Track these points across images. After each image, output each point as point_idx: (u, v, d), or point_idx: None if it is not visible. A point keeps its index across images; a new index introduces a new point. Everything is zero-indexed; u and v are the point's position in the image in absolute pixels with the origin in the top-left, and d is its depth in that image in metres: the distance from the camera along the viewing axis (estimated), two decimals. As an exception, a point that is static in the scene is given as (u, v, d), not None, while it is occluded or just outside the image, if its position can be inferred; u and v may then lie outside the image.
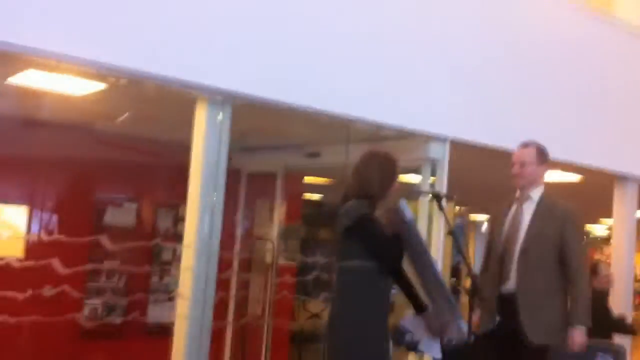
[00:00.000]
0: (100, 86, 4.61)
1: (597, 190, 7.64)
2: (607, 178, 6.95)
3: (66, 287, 5.09)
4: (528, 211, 4.12)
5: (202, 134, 4.30)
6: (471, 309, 3.43)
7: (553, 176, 7.84)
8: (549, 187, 8.60)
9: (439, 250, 5.30)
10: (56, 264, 4.12)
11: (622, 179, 6.92)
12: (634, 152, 6.95)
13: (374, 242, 3.33)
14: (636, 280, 21.73)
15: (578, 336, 3.98)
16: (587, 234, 23.06)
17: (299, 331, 7.37)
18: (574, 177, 7.69)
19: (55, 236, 4.12)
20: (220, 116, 4.30)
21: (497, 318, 3.88)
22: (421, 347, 3.56)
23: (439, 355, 3.55)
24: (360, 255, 3.33)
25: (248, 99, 4.37)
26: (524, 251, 4.03)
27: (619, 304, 6.89)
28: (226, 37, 4.24)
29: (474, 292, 3.39)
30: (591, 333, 5.58)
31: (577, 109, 6.37)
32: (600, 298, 5.94)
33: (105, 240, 4.44)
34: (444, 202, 3.67)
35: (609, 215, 7.44)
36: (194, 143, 4.35)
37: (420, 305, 3.47)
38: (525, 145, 4.17)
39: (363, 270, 3.32)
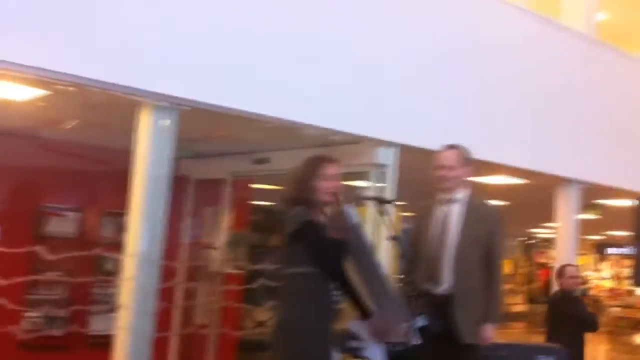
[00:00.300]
0: (42, 92, 4.48)
1: (542, 193, 7.78)
2: (551, 181, 7.07)
3: (5, 299, 4.91)
4: (456, 213, 4.11)
5: (147, 140, 4.21)
6: (412, 312, 3.43)
7: (498, 179, 7.98)
8: (493, 189, 8.74)
9: (384, 255, 5.30)
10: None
11: (565, 182, 7.05)
12: (577, 156, 7.09)
13: (318, 248, 3.26)
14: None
15: (489, 332, 4.05)
16: (532, 236, 23.62)
17: (245, 340, 7.27)
18: (518, 181, 7.81)
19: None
20: (165, 122, 4.21)
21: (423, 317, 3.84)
22: (366, 353, 3.51)
23: None
24: (304, 262, 3.26)
25: (194, 104, 4.29)
26: (458, 254, 4.04)
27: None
28: (172, 43, 4.16)
29: (414, 296, 3.39)
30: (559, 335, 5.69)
31: (522, 114, 6.46)
32: (568, 298, 6.03)
33: (42, 251, 4.27)
34: (388, 206, 3.64)
35: (552, 218, 7.57)
36: (138, 150, 4.26)
37: (365, 310, 3.40)
38: (449, 147, 4.17)
39: (307, 276, 3.26)
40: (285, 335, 3.28)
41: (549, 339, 5.91)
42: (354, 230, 3.29)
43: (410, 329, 3.38)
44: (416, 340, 3.36)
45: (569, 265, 6.39)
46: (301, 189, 3.34)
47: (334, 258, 3.29)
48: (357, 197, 3.67)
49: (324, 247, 3.27)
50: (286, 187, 3.43)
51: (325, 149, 5.51)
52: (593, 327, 6.11)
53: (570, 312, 5.91)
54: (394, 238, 3.42)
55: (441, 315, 3.98)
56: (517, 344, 5.11)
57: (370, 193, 3.65)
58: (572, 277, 6.15)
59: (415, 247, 4.24)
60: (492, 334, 4.09)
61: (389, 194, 5.35)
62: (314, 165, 3.38)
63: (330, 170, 3.37)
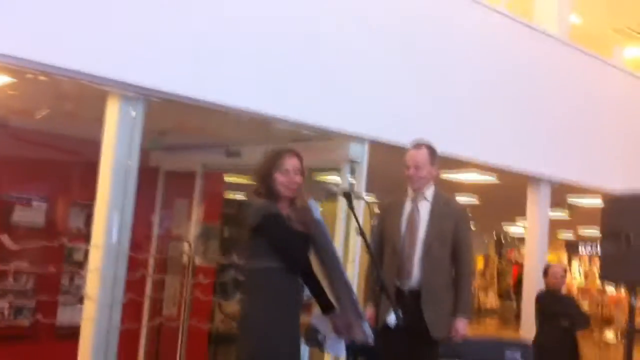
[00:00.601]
0: (10, 80, 4.43)
1: (514, 191, 7.85)
2: (521, 179, 7.13)
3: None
4: (424, 210, 4.19)
5: (115, 130, 4.17)
6: (377, 306, 3.44)
7: (469, 176, 8.04)
8: (464, 185, 8.79)
9: (356, 250, 5.33)
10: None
11: (535, 179, 7.11)
12: (547, 154, 7.16)
13: (280, 242, 3.24)
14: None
15: (461, 326, 4.12)
16: (505, 233, 23.81)
17: (215, 332, 7.25)
18: (489, 178, 7.87)
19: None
20: (133, 113, 4.17)
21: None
22: (326, 347, 3.50)
23: (343, 355, 3.49)
24: (266, 255, 3.23)
25: (162, 95, 4.26)
26: (426, 250, 4.11)
27: (532, 298, 7.09)
28: (140, 32, 4.12)
29: (381, 291, 3.38)
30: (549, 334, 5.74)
31: (493, 111, 6.50)
32: (555, 297, 6.08)
33: (6, 240, 4.20)
34: (357, 201, 3.62)
35: (524, 215, 7.63)
36: (105, 140, 4.23)
37: (327, 305, 3.39)
38: (417, 146, 4.21)
39: (270, 271, 3.23)
40: (249, 331, 3.24)
41: (539, 337, 5.95)
42: (317, 225, 3.26)
43: (369, 327, 3.36)
44: (372, 340, 3.35)
45: (554, 265, 6.48)
46: (263, 182, 3.31)
47: (297, 252, 3.26)
48: (327, 192, 3.65)
49: (287, 241, 3.24)
50: (252, 180, 3.42)
51: (297, 144, 5.51)
52: (584, 324, 6.16)
53: (559, 310, 5.97)
54: (362, 233, 3.41)
55: (410, 310, 4.03)
56: (486, 339, 5.19)
57: (339, 188, 3.60)
58: (555, 276, 6.21)
59: (380, 243, 4.29)
60: (466, 328, 4.15)
61: (359, 189, 5.37)
62: (273, 157, 3.34)
63: (290, 162, 3.32)
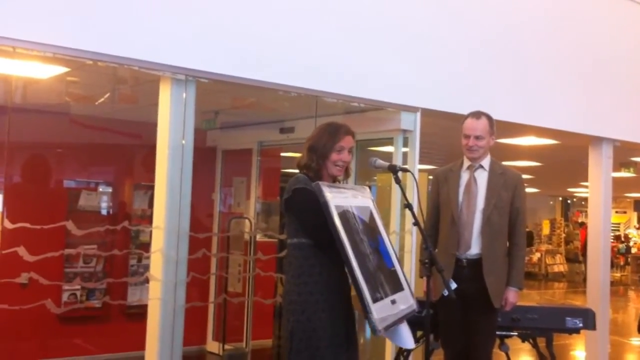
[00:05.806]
0: (64, 70, 4.55)
1: (576, 152, 7.67)
2: (582, 140, 6.95)
3: (44, 273, 5.04)
4: (482, 179, 4.18)
5: (167, 113, 4.24)
6: (428, 278, 3.41)
7: (528, 140, 7.89)
8: (525, 150, 8.60)
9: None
10: (23, 251, 4.04)
11: (597, 140, 6.92)
12: (608, 114, 6.94)
13: (304, 218, 3.16)
14: (620, 241, 21.99)
15: (513, 297, 4.16)
16: (571, 195, 23.27)
17: (279, 307, 7.38)
18: (549, 141, 7.72)
19: (20, 224, 4.03)
20: (183, 94, 4.24)
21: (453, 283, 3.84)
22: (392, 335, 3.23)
23: (409, 345, 3.32)
24: (296, 231, 3.19)
25: (212, 76, 4.31)
26: (486, 219, 4.11)
27: (597, 263, 6.96)
28: (188, 15, 4.16)
29: (431, 264, 3.36)
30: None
31: (549, 74, 6.33)
32: None
33: (71, 226, 4.35)
34: (402, 174, 3.58)
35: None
36: (160, 123, 4.29)
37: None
38: (477, 116, 4.16)
39: (303, 246, 3.17)
40: (288, 309, 3.19)
41: None
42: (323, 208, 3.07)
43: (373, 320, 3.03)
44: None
45: None
46: (317, 157, 3.25)
47: (321, 231, 3.05)
48: (374, 166, 3.59)
49: (310, 218, 3.12)
50: (302, 152, 3.35)
51: (349, 116, 5.51)
52: None
53: None
54: (409, 206, 3.38)
55: (469, 279, 4.05)
56: (546, 306, 5.17)
57: (384, 162, 3.54)
58: None
59: (436, 211, 4.29)
60: (516, 298, 4.18)
61: (412, 159, 5.34)
62: (332, 135, 3.27)
63: (347, 142, 3.28)
